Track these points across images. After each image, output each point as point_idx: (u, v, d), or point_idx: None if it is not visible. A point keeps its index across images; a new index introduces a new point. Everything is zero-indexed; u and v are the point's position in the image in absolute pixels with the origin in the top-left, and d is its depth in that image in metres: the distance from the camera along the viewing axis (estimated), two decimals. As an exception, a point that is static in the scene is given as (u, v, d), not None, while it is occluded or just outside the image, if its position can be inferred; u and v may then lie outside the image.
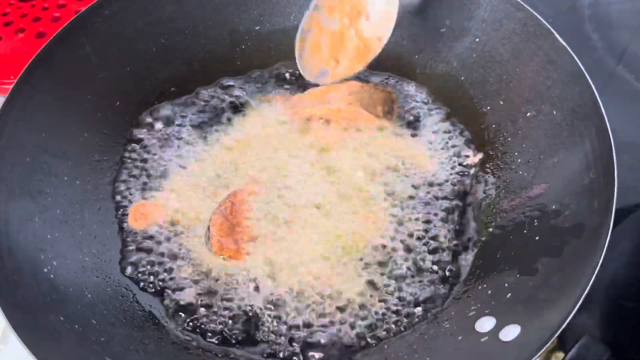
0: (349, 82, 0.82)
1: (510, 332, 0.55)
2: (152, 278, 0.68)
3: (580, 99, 0.67)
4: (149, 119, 0.82)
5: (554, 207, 0.65)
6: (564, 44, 0.71)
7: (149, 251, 0.70)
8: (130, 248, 0.71)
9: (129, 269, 0.69)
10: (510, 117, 0.75)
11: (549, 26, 0.73)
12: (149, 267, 0.69)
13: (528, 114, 0.73)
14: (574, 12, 1.03)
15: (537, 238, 0.64)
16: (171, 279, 0.68)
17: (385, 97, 0.83)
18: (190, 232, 0.71)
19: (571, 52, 0.70)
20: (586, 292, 0.53)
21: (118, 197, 0.75)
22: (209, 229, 0.70)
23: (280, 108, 0.84)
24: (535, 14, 0.74)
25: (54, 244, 0.66)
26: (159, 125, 0.82)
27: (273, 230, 0.71)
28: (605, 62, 0.96)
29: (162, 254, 0.70)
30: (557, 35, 0.71)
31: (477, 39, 0.80)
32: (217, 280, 0.67)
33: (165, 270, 0.69)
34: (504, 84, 0.77)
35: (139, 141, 0.80)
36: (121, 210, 0.74)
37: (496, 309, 0.60)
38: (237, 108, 0.84)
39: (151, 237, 0.71)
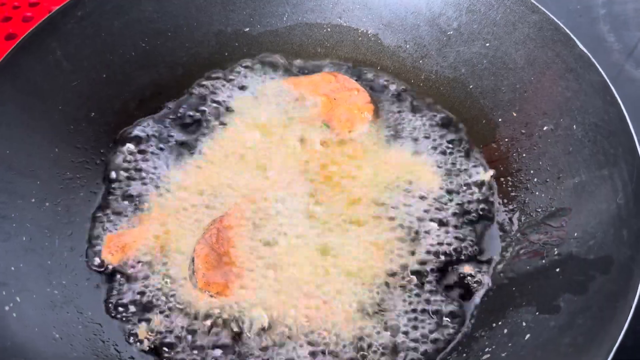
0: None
1: (532, 384, 0.49)
2: (127, 317, 0.61)
3: (605, 113, 0.61)
4: (126, 134, 0.75)
5: (576, 234, 0.58)
6: (585, 51, 0.65)
7: (125, 288, 0.63)
8: (104, 284, 0.64)
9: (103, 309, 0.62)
10: (524, 130, 0.69)
11: (567, 31, 0.67)
12: (124, 306, 0.62)
13: (545, 128, 0.67)
14: (587, 11, 0.96)
15: (557, 270, 0.58)
16: (150, 317, 0.61)
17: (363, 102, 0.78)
18: (172, 265, 0.64)
19: (593, 60, 0.64)
20: (620, 338, 0.47)
21: (91, 223, 0.68)
22: (193, 261, 0.63)
23: (267, 112, 0.78)
24: (553, 17, 0.68)
25: (18, 277, 0.59)
26: (136, 142, 0.74)
27: (263, 260, 0.64)
28: (621, 65, 0.90)
29: (140, 292, 0.63)
30: (577, 41, 0.65)
31: (488, 44, 0.74)
32: (201, 319, 0.61)
33: (143, 309, 0.62)
34: (518, 93, 0.71)
35: (114, 158, 0.73)
36: (95, 238, 0.67)
37: (514, 353, 0.54)
38: (221, 119, 0.77)
39: (127, 272, 0.64)
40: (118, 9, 0.76)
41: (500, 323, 0.58)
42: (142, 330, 0.60)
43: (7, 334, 0.54)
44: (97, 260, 0.65)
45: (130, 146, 0.74)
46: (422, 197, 0.68)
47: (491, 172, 0.70)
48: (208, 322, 0.60)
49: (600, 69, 0.63)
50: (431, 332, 0.60)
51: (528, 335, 0.54)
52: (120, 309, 0.62)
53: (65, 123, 0.71)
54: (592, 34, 0.92)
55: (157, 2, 0.78)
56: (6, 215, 0.62)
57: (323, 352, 0.58)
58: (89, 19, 0.74)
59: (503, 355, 0.54)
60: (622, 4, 0.96)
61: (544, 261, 0.60)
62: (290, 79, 0.80)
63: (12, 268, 0.59)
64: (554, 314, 0.54)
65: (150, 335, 0.60)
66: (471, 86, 0.76)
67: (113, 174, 0.71)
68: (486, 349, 0.56)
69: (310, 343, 0.59)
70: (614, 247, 0.54)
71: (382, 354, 0.58)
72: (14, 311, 0.56)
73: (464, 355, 0.57)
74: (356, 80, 0.80)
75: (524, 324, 0.56)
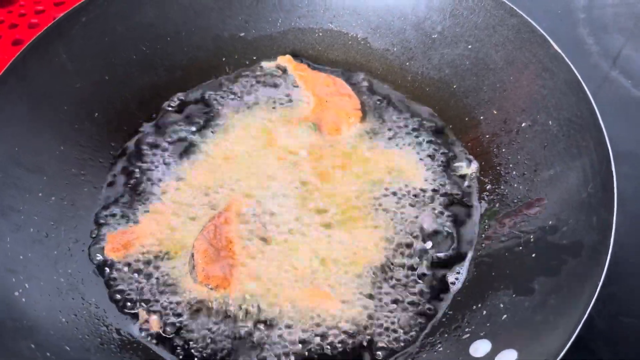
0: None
1: (507, 358, 0.52)
2: (131, 305, 0.65)
3: (577, 109, 0.64)
4: (127, 134, 0.79)
5: (550, 222, 0.62)
6: (560, 51, 0.68)
7: (128, 281, 0.67)
8: (108, 277, 0.67)
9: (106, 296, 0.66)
10: (504, 127, 0.73)
11: (543, 33, 0.70)
12: (128, 296, 0.66)
13: (523, 124, 0.70)
14: (568, 15, 1.00)
15: (533, 256, 0.61)
16: (152, 306, 0.65)
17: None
18: (172, 260, 0.67)
19: (567, 59, 0.67)
20: (587, 314, 0.50)
21: (95, 218, 0.72)
22: (192, 256, 0.66)
23: (262, 113, 0.81)
24: (530, 20, 0.72)
25: (26, 265, 0.63)
26: (138, 142, 0.79)
27: (261, 254, 0.67)
28: (600, 67, 0.94)
29: (142, 286, 0.66)
30: (552, 42, 0.69)
31: (470, 46, 0.78)
32: (200, 310, 0.64)
33: (146, 300, 0.65)
34: (498, 92, 0.74)
35: (117, 157, 0.77)
36: (98, 233, 0.70)
37: (492, 332, 0.57)
38: (218, 120, 0.81)
39: (130, 267, 0.67)
40: (121, 14, 0.79)
41: (479, 305, 0.61)
42: (142, 318, 0.64)
43: (17, 317, 0.57)
44: (100, 257, 0.68)
45: (132, 145, 0.78)
46: (407, 190, 0.72)
47: (473, 166, 0.74)
48: (206, 312, 0.64)
49: (573, 68, 0.66)
50: (416, 314, 0.63)
51: (505, 316, 0.58)
52: (123, 297, 0.65)
53: (70, 122, 0.74)
54: (572, 37, 0.96)
55: (158, 7, 0.82)
56: (15, 207, 0.65)
57: (317, 335, 0.62)
58: (92, 24, 0.77)
59: (482, 334, 0.57)
60: (601, 8, 1.00)
61: (520, 248, 0.63)
62: (301, 65, 0.85)
63: (21, 257, 0.63)
64: (529, 295, 0.58)
65: (151, 323, 0.63)
66: (455, 86, 0.80)
67: (116, 172, 0.75)
68: (466, 329, 0.59)
69: (306, 327, 0.62)
70: (585, 233, 0.58)
71: (372, 337, 0.62)
72: (23, 296, 0.60)
73: (445, 335, 0.61)
74: (346, 81, 0.84)
75: (501, 305, 0.59)
